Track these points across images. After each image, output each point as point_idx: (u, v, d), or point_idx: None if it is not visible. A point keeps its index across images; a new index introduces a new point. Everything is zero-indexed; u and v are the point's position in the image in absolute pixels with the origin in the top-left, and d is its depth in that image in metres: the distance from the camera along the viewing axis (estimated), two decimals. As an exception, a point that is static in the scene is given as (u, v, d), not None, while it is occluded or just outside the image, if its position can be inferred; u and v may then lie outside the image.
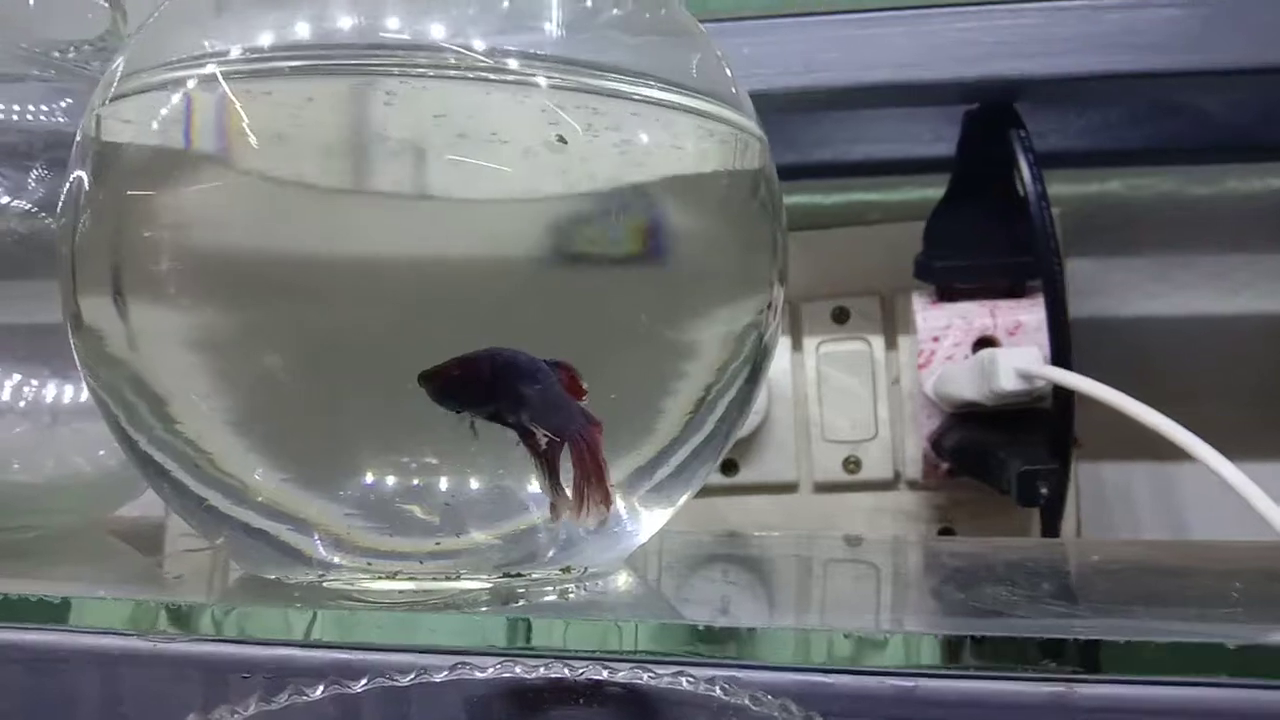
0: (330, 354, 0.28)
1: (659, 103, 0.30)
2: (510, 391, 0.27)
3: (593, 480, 0.28)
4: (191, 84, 0.28)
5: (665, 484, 0.32)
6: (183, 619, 0.28)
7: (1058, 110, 0.55)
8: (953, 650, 0.24)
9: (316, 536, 0.29)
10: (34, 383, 0.42)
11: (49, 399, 0.42)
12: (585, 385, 0.28)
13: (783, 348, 0.57)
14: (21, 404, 0.44)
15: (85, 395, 0.39)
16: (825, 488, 0.57)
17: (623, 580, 0.33)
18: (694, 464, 0.32)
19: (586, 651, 0.26)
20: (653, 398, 0.30)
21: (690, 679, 0.23)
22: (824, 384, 0.56)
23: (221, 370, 0.28)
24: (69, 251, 0.30)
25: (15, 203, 0.41)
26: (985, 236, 0.50)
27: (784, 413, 0.57)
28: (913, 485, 0.56)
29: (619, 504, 0.29)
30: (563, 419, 0.27)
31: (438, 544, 0.29)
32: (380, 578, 0.30)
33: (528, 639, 0.26)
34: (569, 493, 0.27)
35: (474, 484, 0.28)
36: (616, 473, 0.30)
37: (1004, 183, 0.49)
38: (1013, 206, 0.49)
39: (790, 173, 0.57)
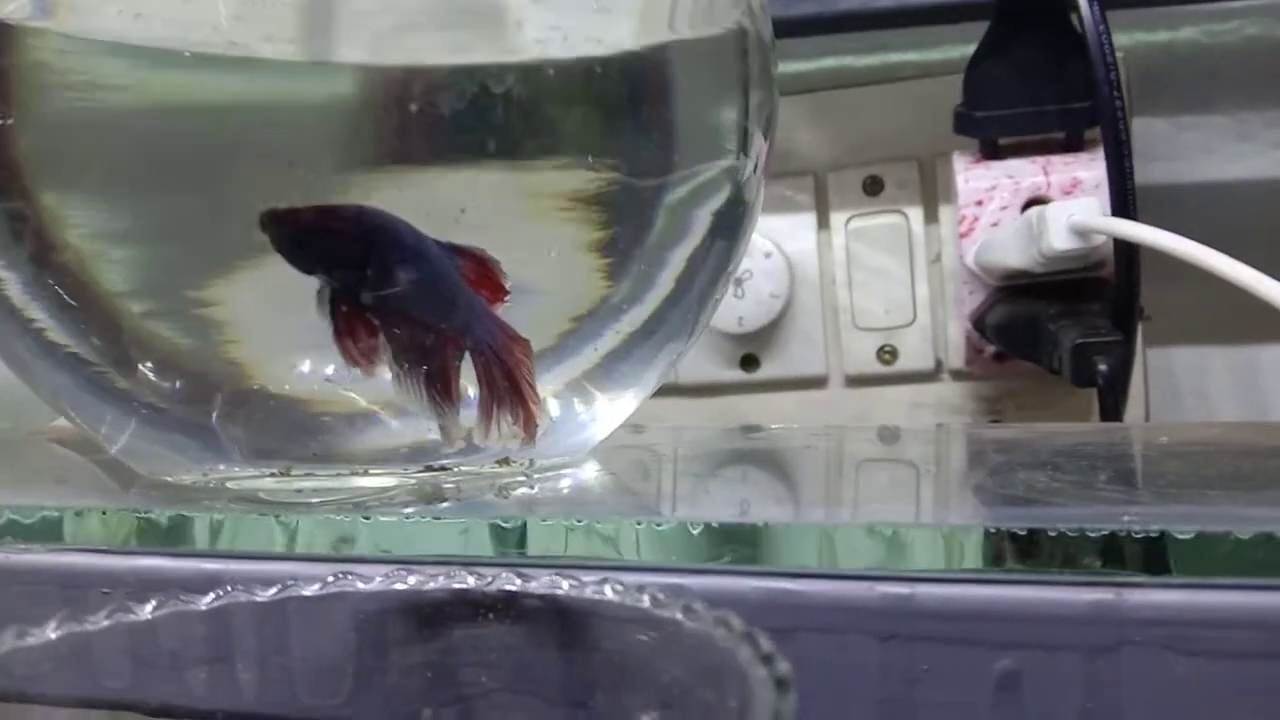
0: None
1: None
2: (380, 262, 0.22)
3: (507, 400, 0.22)
4: None
5: (617, 363, 0.26)
6: (50, 527, 0.24)
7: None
8: (961, 547, 0.19)
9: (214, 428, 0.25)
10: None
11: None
12: (507, 284, 0.22)
13: (806, 225, 0.50)
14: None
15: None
16: (858, 381, 0.51)
17: (590, 475, 0.28)
18: (652, 338, 0.26)
19: (498, 558, 0.21)
20: (575, 255, 0.24)
21: (618, 587, 0.18)
22: (854, 264, 0.50)
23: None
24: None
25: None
26: (1035, 82, 0.43)
27: (809, 298, 0.50)
28: (956, 375, 0.50)
29: (541, 390, 0.24)
30: (460, 320, 0.22)
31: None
32: (282, 475, 0.25)
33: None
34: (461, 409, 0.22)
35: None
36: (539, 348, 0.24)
37: (1055, 18, 0.42)
38: (1066, 45, 0.42)
39: (811, 25, 0.50)
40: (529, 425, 0.23)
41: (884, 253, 0.49)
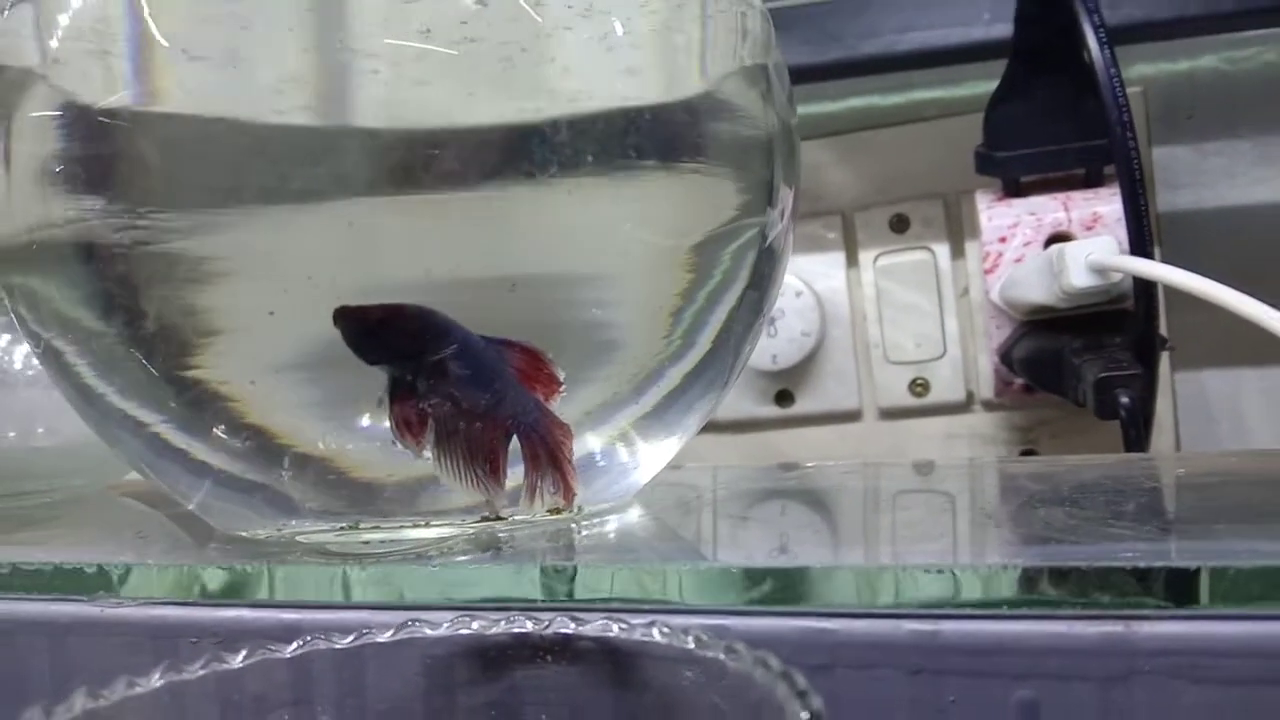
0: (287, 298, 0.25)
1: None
2: (434, 358, 0.24)
3: (549, 475, 0.24)
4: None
5: (662, 412, 0.28)
6: (126, 581, 0.26)
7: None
8: (985, 583, 0.20)
9: (285, 488, 0.27)
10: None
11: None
12: (561, 374, 0.24)
13: (836, 263, 0.52)
14: (30, 372, 0.43)
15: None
16: (891, 414, 0.52)
17: (635, 519, 0.29)
18: (695, 387, 0.28)
19: (550, 601, 0.23)
20: (623, 313, 0.26)
21: (665, 629, 0.20)
22: (884, 300, 0.51)
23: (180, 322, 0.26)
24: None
25: None
26: (1053, 120, 0.44)
27: (841, 334, 0.52)
28: (988, 406, 0.51)
29: (592, 441, 0.26)
30: (508, 409, 0.24)
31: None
32: (349, 529, 0.27)
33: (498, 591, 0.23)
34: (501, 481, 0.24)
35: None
36: (588, 401, 0.26)
37: (1071, 58, 0.43)
38: (1082, 83, 0.43)
39: (838, 70, 0.52)
40: (569, 495, 0.25)
41: (912, 288, 0.51)
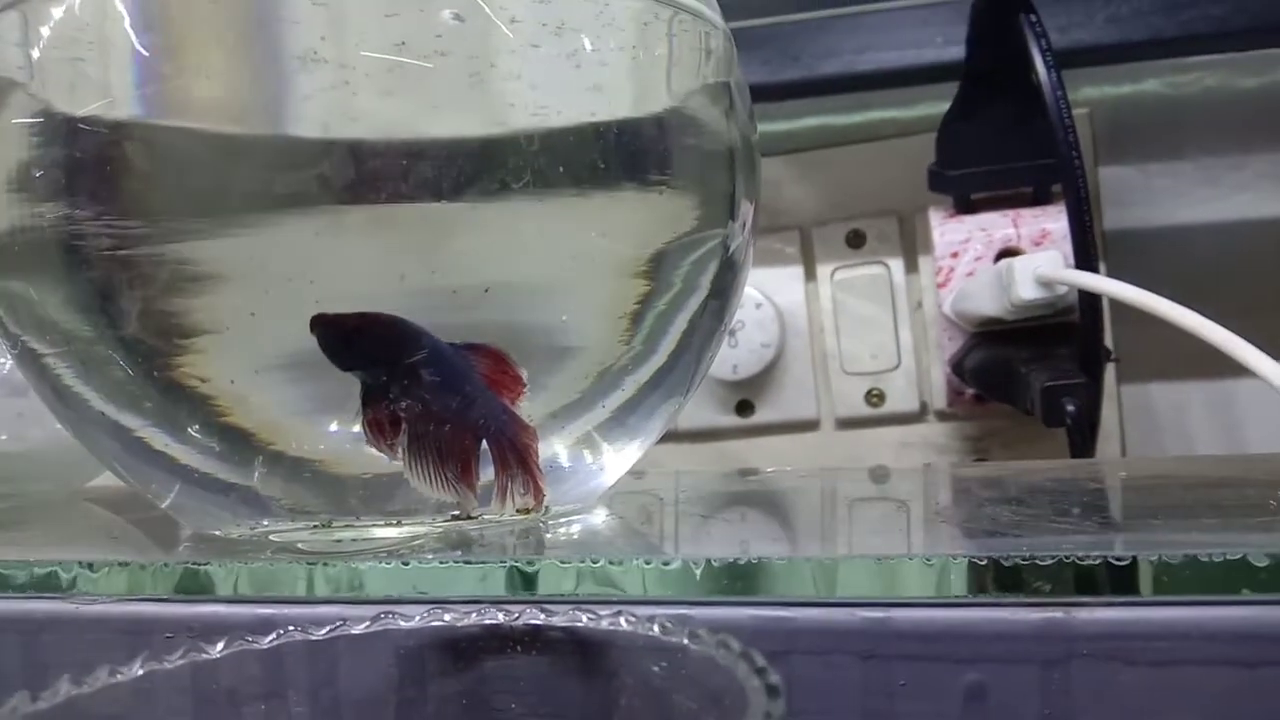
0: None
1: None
2: (407, 364, 0.25)
3: (519, 476, 0.25)
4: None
5: (625, 416, 0.29)
6: (100, 579, 0.26)
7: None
8: (936, 575, 0.21)
9: (259, 487, 0.27)
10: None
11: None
12: (524, 375, 0.25)
13: (794, 277, 0.53)
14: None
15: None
16: (848, 423, 0.53)
17: (600, 520, 0.30)
18: (657, 392, 0.29)
19: (520, 596, 0.23)
20: (587, 319, 0.27)
21: (631, 618, 0.20)
22: (841, 313, 0.53)
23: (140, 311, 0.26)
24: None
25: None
26: (1003, 140, 0.46)
27: (800, 346, 0.53)
28: (941, 416, 0.52)
29: (557, 444, 0.27)
30: (476, 414, 0.25)
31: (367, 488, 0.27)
32: (322, 528, 0.28)
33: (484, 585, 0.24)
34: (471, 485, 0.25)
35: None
36: (553, 404, 0.27)
37: (1020, 80, 0.45)
38: (1031, 105, 0.45)
39: (797, 89, 0.54)
40: (538, 497, 0.26)
41: (868, 301, 0.52)
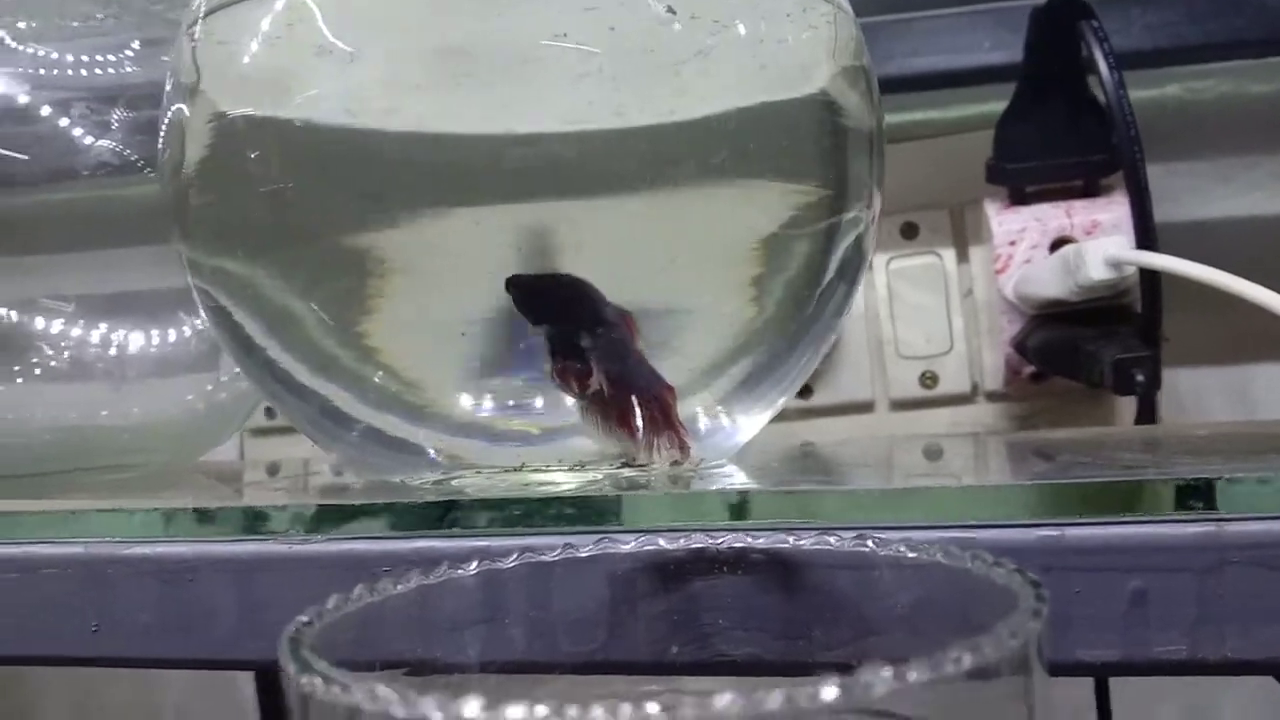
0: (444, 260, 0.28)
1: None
2: (589, 321, 0.28)
3: (663, 433, 0.28)
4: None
5: (756, 383, 0.31)
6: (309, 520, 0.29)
7: (1120, 8, 0.54)
8: (1095, 499, 0.24)
9: (432, 435, 0.30)
10: (115, 339, 0.43)
11: (131, 352, 0.43)
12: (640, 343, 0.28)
13: (852, 266, 0.56)
14: (101, 364, 0.44)
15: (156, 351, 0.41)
16: (902, 405, 0.57)
17: (736, 471, 0.33)
18: (787, 365, 0.32)
19: (723, 523, 0.26)
20: (748, 292, 0.30)
21: (837, 537, 0.23)
22: (896, 300, 0.56)
23: (342, 285, 0.29)
24: (176, 188, 0.30)
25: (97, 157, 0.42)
26: (1057, 137, 0.49)
27: (857, 331, 0.56)
28: (991, 397, 0.56)
29: (701, 411, 0.30)
30: (631, 374, 0.28)
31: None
32: (513, 470, 0.30)
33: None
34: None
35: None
36: (693, 366, 0.30)
37: (1073, 81, 0.49)
38: (1083, 105, 0.48)
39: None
40: (684, 449, 0.29)
41: (922, 289, 0.56)
